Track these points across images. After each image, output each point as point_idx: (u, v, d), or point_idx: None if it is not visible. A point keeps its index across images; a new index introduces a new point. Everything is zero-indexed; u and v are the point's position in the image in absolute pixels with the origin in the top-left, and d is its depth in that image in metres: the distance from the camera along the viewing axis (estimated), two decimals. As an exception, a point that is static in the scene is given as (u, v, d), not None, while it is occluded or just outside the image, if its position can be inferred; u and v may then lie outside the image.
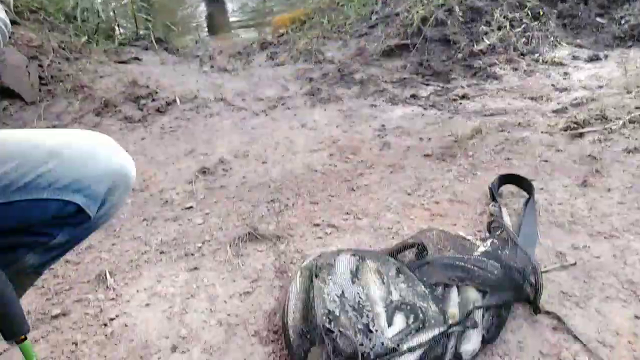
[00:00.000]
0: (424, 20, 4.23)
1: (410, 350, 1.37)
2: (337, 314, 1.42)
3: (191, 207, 2.45)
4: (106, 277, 1.89)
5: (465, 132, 2.90)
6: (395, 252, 1.77)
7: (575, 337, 1.52)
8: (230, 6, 8.10)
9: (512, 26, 4.29)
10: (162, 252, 2.07)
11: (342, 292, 1.51)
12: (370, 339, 1.37)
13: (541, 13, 4.42)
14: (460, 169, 2.57)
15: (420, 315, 1.49)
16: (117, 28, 5.35)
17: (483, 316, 1.53)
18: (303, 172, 2.72)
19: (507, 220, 2.01)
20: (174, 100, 4.02)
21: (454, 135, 2.90)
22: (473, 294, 1.59)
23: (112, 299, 1.81)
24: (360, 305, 1.47)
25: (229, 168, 2.89)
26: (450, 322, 1.48)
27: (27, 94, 3.97)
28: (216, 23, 7.51)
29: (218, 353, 1.55)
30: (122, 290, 1.85)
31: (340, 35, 4.85)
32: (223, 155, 3.07)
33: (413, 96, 3.71)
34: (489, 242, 1.86)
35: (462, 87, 3.76)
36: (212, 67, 4.90)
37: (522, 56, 4.09)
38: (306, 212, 2.30)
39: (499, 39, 4.15)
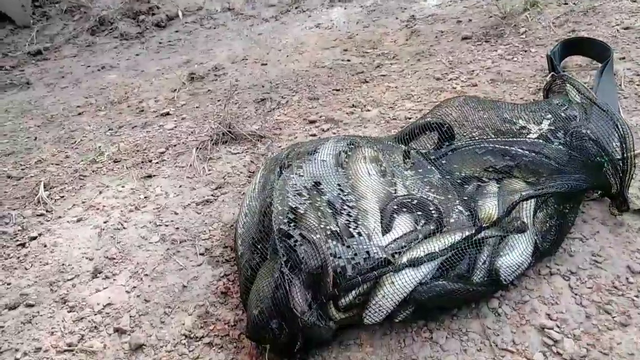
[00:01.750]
0: None
1: (413, 263, 0.86)
2: (302, 212, 0.92)
3: (167, 113, 2.00)
4: (38, 191, 1.48)
5: (517, 8, 2.23)
6: (406, 137, 1.23)
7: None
8: None
9: None
10: (115, 161, 1.64)
11: (316, 183, 1.01)
12: (349, 247, 0.87)
13: None
14: (508, 48, 1.95)
15: (435, 214, 0.97)
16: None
17: (535, 216, 0.99)
18: (307, 69, 2.19)
19: (575, 95, 1.41)
20: (176, 15, 3.53)
21: (501, 12, 2.23)
22: (519, 186, 1.05)
23: (40, 214, 1.40)
24: (341, 200, 0.97)
25: (222, 73, 2.40)
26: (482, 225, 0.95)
27: (19, 16, 3.60)
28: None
29: (149, 278, 1.11)
30: (56, 205, 1.44)
31: None
32: (219, 62, 2.58)
33: (453, -17, 3.01)
34: (545, 122, 1.28)
35: (515, -33, 3.01)
36: (224, -21, 4.34)
37: None
38: (301, 108, 1.79)
39: None
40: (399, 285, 0.85)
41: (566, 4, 2.25)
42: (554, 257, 1.00)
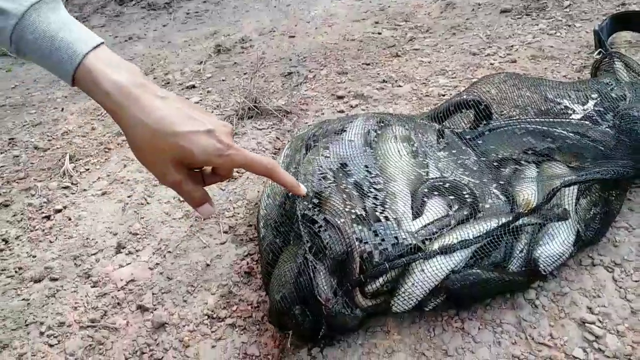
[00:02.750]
0: None
1: (445, 251, 0.81)
2: (327, 195, 0.87)
3: (193, 86, 1.96)
4: (64, 163, 1.47)
5: (561, -22, 2.10)
6: (441, 115, 1.17)
7: None
8: None
9: None
10: (141, 134, 1.61)
11: (343, 165, 0.96)
12: (376, 232, 0.82)
13: None
14: (550, 22, 1.83)
15: (469, 199, 0.91)
16: None
17: (577, 203, 0.92)
18: (336, 42, 2.11)
19: (623, 74, 1.31)
20: (205, -16, 3.46)
21: (544, -17, 2.10)
22: (561, 171, 0.98)
23: (65, 187, 1.40)
24: (368, 183, 0.92)
25: (248, 46, 2.35)
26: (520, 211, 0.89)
27: (47, -15, 3.58)
28: None
29: (173, 255, 1.09)
30: (81, 178, 1.43)
31: None
32: (246, 34, 2.52)
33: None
34: (591, 102, 1.19)
35: None
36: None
37: None
38: (329, 83, 1.73)
39: None
40: (429, 273, 0.81)
41: (615, -27, 2.10)
42: (597, 246, 0.93)
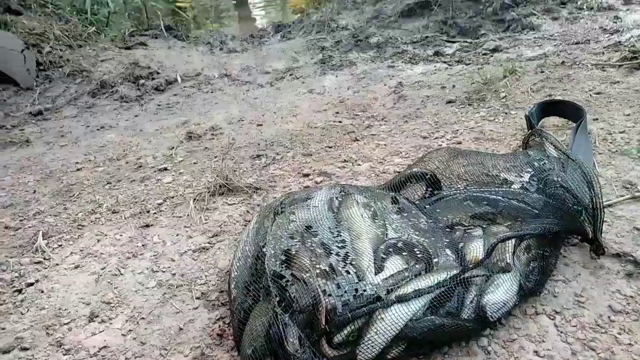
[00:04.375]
0: (447, -26, 3.75)
1: (401, 299, 0.90)
2: (294, 253, 0.96)
3: (165, 168, 2.07)
4: (36, 240, 1.51)
5: (497, 75, 2.40)
6: (396, 186, 1.31)
7: (663, 285, 1.01)
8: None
9: (548, -25, 3.74)
10: (114, 212, 1.68)
11: (309, 227, 1.06)
12: (339, 286, 0.91)
13: (584, -41, 3.85)
14: (490, 110, 2.08)
15: (422, 256, 1.02)
16: (127, 18, 5.16)
17: (518, 257, 1.04)
18: (301, 129, 2.30)
19: (551, 150, 1.51)
20: (175, 79, 3.71)
21: (483, 79, 2.39)
22: (501, 229, 1.11)
23: (38, 262, 1.42)
24: (333, 241, 1.02)
25: (219, 133, 2.50)
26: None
27: (22, 79, 3.74)
28: (237, 14, 7.15)
29: (146, 321, 1.13)
30: (54, 253, 1.47)
31: (355, 4, 4.43)
32: (216, 123, 2.69)
33: (436, 54, 3.23)
34: (526, 175, 1.36)
35: (494, 40, 3.25)
36: (221, 49, 4.59)
37: (562, 5, 3.54)
38: (296, 163, 1.87)
39: (534, -11, 3.61)
40: (389, 321, 0.89)
41: (542, 72, 2.43)
42: (538, 297, 1.04)
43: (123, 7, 5.36)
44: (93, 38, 4.54)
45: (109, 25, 5.07)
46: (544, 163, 1.36)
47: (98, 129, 2.95)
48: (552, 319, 1.00)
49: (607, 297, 1.02)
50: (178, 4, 6.40)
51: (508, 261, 1.01)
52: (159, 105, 3.37)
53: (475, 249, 1.04)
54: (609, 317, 0.98)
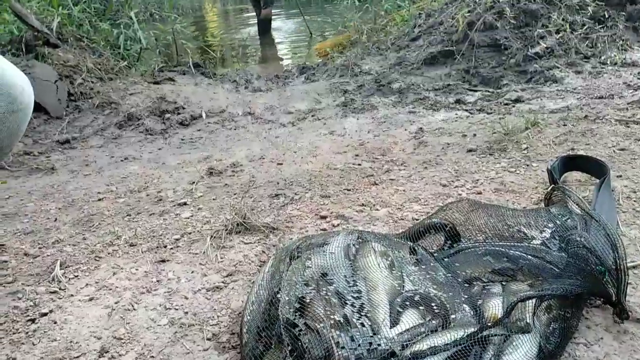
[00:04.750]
0: (471, 24, 3.82)
1: (416, 356, 0.87)
2: (308, 301, 0.96)
3: (185, 203, 2.09)
4: (53, 269, 1.52)
5: (519, 126, 2.40)
6: (413, 236, 1.30)
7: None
8: (279, 36, 7.97)
9: (572, 29, 3.78)
10: (132, 245, 1.69)
11: (324, 274, 1.05)
12: (353, 339, 0.89)
13: (606, 16, 3.90)
14: (511, 161, 2.07)
15: (440, 311, 1.00)
16: (157, 54, 5.35)
17: (538, 318, 1.02)
18: (320, 170, 2.31)
19: (574, 207, 1.48)
20: (200, 115, 3.80)
21: (504, 129, 2.40)
22: (521, 288, 1.09)
23: (54, 292, 1.43)
24: (348, 290, 1.01)
25: (239, 170, 2.53)
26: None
27: (53, 108, 3.87)
28: (263, 54, 7.34)
29: None
30: (70, 284, 1.48)
31: (379, 50, 4.52)
32: (238, 159, 2.73)
33: (458, 102, 3.26)
34: (547, 231, 1.34)
35: (516, 91, 3.27)
36: (246, 88, 4.70)
37: (585, 59, 3.56)
38: (313, 205, 1.87)
39: (557, 42, 3.65)
40: (404, 377, 0.87)
41: (565, 125, 2.42)
42: (558, 360, 1.01)
43: (154, 43, 5.56)
44: (124, 72, 4.70)
45: (139, 60, 5.27)
46: (567, 220, 1.34)
47: (122, 160, 3.02)
48: (573, 385, 0.96)
49: (631, 364, 0.98)
50: (207, 43, 6.64)
51: (528, 321, 0.98)
52: (182, 139, 3.44)
53: (494, 307, 1.01)
54: (633, 386, 0.94)
